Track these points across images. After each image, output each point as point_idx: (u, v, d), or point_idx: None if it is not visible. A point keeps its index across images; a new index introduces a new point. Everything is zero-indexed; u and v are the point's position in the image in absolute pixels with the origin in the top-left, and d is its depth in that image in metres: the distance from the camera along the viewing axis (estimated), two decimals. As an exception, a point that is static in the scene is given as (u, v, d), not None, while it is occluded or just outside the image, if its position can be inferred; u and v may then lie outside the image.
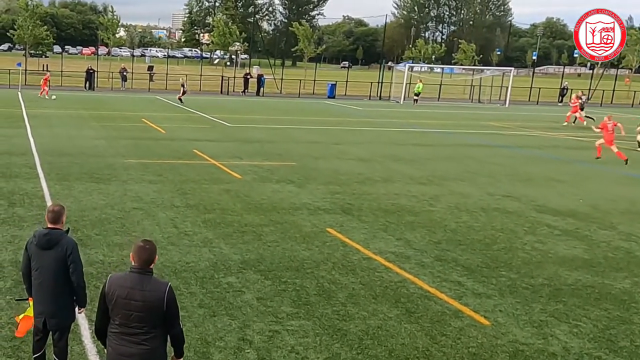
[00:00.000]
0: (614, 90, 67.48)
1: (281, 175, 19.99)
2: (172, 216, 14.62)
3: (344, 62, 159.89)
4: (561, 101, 63.42)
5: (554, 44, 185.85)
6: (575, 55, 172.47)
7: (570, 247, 13.56)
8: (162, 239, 12.85)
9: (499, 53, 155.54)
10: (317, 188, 18.32)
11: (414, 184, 19.56)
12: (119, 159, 21.42)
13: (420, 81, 56.07)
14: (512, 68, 63.07)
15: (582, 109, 42.89)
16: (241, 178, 19.29)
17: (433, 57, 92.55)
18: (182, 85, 45.66)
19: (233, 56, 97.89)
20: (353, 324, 9.23)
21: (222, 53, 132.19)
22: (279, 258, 11.99)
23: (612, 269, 12.19)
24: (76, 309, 7.15)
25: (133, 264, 5.79)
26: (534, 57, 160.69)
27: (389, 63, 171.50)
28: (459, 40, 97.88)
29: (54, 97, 43.43)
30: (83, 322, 8.72)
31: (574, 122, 42.10)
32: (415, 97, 54.11)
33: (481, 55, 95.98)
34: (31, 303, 7.08)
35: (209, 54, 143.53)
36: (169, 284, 5.82)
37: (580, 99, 43.77)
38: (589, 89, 68.75)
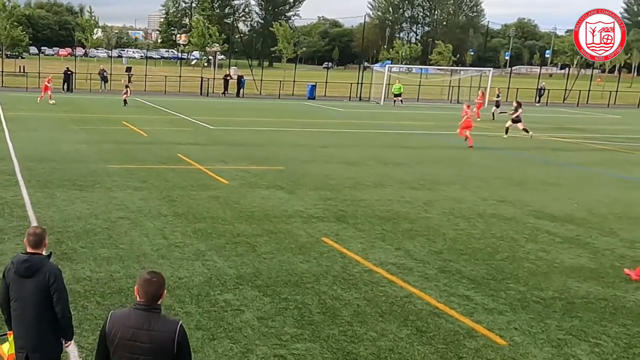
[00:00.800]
0: (589, 91, 67.37)
1: (270, 180, 19.26)
2: (160, 226, 13.84)
3: (326, 63, 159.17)
4: (539, 101, 63.26)
5: (525, 45, 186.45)
6: (547, 56, 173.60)
7: (574, 255, 12.97)
8: (152, 251, 12.08)
9: (472, 53, 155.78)
10: (307, 194, 17.61)
11: (406, 189, 18.91)
12: (101, 165, 20.56)
13: (399, 81, 55.35)
14: (491, 69, 62.71)
15: (497, 106, 44.85)
16: (229, 184, 18.54)
17: (409, 57, 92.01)
18: (126, 86, 43.75)
19: (211, 57, 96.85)
20: (363, 347, 8.55)
21: (200, 54, 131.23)
22: (276, 271, 11.27)
23: (621, 280, 11.60)
24: (62, 341, 6.33)
25: (138, 299, 4.98)
26: (507, 58, 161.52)
27: (365, 63, 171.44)
28: (436, 41, 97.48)
29: (52, 101, 41.27)
30: (72, 350, 7.93)
31: (492, 118, 43.38)
32: (395, 98, 53.48)
33: (458, 56, 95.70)
34: (10, 338, 6.25)
35: (186, 54, 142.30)
36: (180, 322, 5.02)
37: (498, 96, 46.48)
38: (565, 89, 68.72)
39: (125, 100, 42.07)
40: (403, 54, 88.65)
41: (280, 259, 11.96)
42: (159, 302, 4.96)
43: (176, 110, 40.75)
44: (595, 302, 10.43)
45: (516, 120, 33.55)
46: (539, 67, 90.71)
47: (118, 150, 23.68)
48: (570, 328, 9.39)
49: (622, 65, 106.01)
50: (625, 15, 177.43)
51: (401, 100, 53.15)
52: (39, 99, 42.30)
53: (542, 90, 63.00)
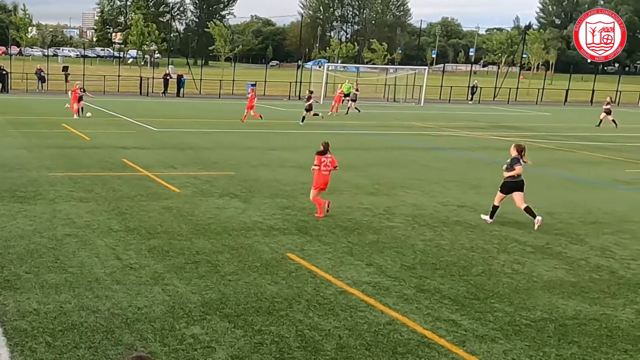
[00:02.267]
0: (517, 88, 67.63)
1: (222, 187, 17.90)
2: (111, 244, 12.36)
3: (273, 61, 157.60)
4: (471, 99, 63.11)
5: (450, 43, 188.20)
6: (471, 54, 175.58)
7: (550, 267, 12.04)
8: (105, 275, 10.63)
9: (400, 52, 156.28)
10: (264, 202, 16.32)
11: (363, 195, 17.81)
12: (43, 172, 18.84)
13: (348, 81, 54.17)
14: (426, 67, 62.19)
15: (354, 101, 44.56)
16: (180, 192, 17.10)
17: (345, 56, 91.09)
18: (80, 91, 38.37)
19: (147, 56, 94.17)
20: (355, 390, 7.35)
21: (137, 53, 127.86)
22: (244, 297, 9.97)
23: (605, 295, 10.70)
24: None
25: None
26: (434, 56, 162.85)
27: (298, 62, 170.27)
28: (370, 40, 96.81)
29: (88, 114, 34.73)
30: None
31: (346, 113, 43.01)
32: (344, 98, 52.18)
33: (386, 54, 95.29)
34: None
35: (121, 53, 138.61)
36: None
37: (357, 92, 46.40)
38: (495, 87, 68.82)
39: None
40: (340, 53, 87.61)
41: (246, 281, 10.67)
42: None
43: (117, 111, 38.81)
44: (588, 324, 9.46)
45: (308, 109, 35.13)
46: (470, 65, 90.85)
47: (60, 155, 21.92)
48: (570, 357, 8.40)
49: (540, 63, 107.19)
50: (541, 15, 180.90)
51: (343, 100, 51.90)
52: (75, 114, 38.75)
53: (475, 88, 62.83)
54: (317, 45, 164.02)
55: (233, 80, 59.11)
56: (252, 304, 9.68)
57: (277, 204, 16.18)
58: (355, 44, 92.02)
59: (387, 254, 12.43)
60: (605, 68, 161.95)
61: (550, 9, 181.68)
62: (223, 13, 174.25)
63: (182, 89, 54.62)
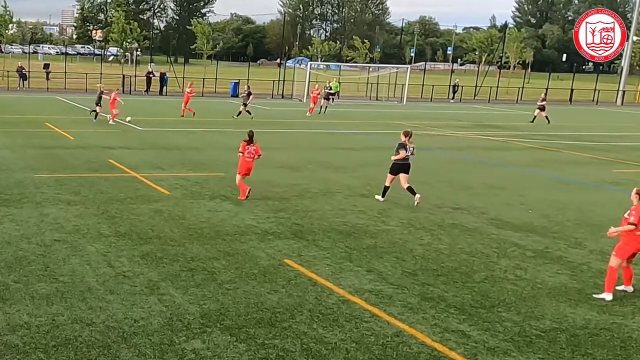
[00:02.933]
0: (497, 87, 67.51)
1: (212, 189, 17.39)
2: (103, 250, 11.83)
3: (260, 60, 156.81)
4: (453, 98, 62.87)
5: (427, 42, 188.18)
6: (449, 53, 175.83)
7: (553, 273, 11.69)
8: (98, 284, 10.11)
9: (378, 50, 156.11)
10: (256, 205, 15.83)
11: (355, 197, 17.39)
12: (28, 174, 18.22)
13: (335, 80, 53.48)
14: (409, 66, 61.87)
15: (327, 99, 43.26)
16: (170, 194, 16.58)
17: (327, 54, 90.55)
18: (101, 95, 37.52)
19: (128, 53, 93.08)
20: (368, 411, 6.91)
21: (117, 50, 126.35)
22: (245, 307, 9.50)
23: (612, 302, 10.33)
24: None
25: None
26: (412, 54, 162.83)
27: (279, 60, 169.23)
28: (353, 37, 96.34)
29: (128, 118, 31.85)
30: None
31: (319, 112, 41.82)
32: (332, 97, 51.63)
33: (367, 52, 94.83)
34: None
35: (102, 50, 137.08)
36: None
37: (328, 89, 45.26)
38: (475, 86, 68.69)
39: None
40: (322, 51, 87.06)
41: (244, 290, 10.19)
42: None
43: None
44: (600, 334, 9.10)
45: (244, 104, 35.81)
46: (452, 63, 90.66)
47: (45, 156, 21.29)
48: (587, 370, 8.02)
49: (518, 62, 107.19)
50: (517, 14, 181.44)
51: (333, 99, 51.22)
52: (111, 119, 37.67)
53: (456, 87, 62.59)
54: (298, 43, 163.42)
55: (216, 79, 58.35)
56: (253, 315, 9.21)
57: (270, 207, 15.70)
58: (337, 42, 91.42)
59: (387, 260, 12.01)
60: (583, 67, 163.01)
61: (526, 8, 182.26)
62: (203, 11, 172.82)
63: (165, 87, 53.81)
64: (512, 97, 67.77)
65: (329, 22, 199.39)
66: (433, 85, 61.55)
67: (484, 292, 10.54)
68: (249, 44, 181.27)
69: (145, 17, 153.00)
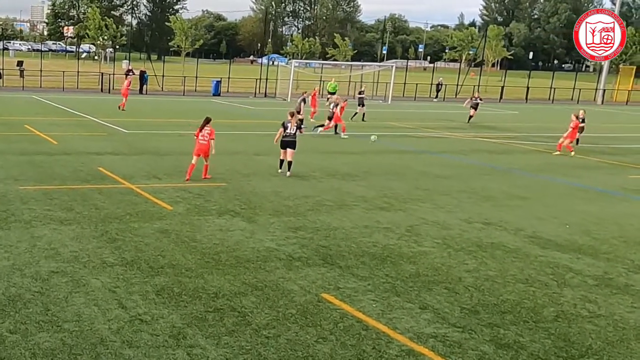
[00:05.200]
0: (478, 86, 66.19)
1: (218, 203, 15.59)
2: (110, 284, 9.99)
3: (251, 57, 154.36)
4: (436, 97, 61.45)
5: (398, 39, 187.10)
6: (420, 50, 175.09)
7: (629, 307, 10.14)
8: (111, 334, 8.30)
9: (350, 47, 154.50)
10: (270, 222, 14.07)
11: (375, 210, 15.70)
12: (12, 186, 16.25)
13: (334, 80, 51.42)
14: (394, 64, 60.26)
15: (305, 102, 37.77)
16: (172, 209, 14.74)
17: (307, 52, 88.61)
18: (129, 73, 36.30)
19: (101, 50, 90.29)
20: None
21: (89, 47, 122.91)
22: (293, 362, 7.76)
23: None
24: None
25: None
26: (384, 52, 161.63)
27: (251, 57, 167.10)
28: (334, 34, 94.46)
29: (373, 137, 28.45)
30: None
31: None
32: (330, 97, 49.64)
33: (354, 52, 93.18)
34: None
35: (74, 47, 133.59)
36: None
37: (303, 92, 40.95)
38: (457, 85, 67.35)
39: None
40: (302, 49, 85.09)
41: (287, 337, 8.46)
42: None
43: (81, 110, 35.86)
44: None
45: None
46: (433, 62, 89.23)
47: (28, 164, 19.28)
48: None
49: (494, 61, 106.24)
50: (485, 12, 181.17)
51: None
52: (121, 106, 35.99)
53: (440, 86, 61.17)
54: (270, 40, 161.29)
55: (196, 77, 56.19)
56: (306, 375, 7.48)
57: (286, 224, 13.96)
58: (317, 38, 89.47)
59: (437, 292, 10.33)
60: (563, 65, 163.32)
61: (493, 6, 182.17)
62: (176, 7, 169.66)
63: (145, 86, 51.58)
64: (493, 95, 66.60)
65: (301, 20, 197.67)
66: (417, 84, 60.07)
67: (564, 336, 8.91)
68: (222, 41, 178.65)
69: (118, 14, 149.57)
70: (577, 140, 28.68)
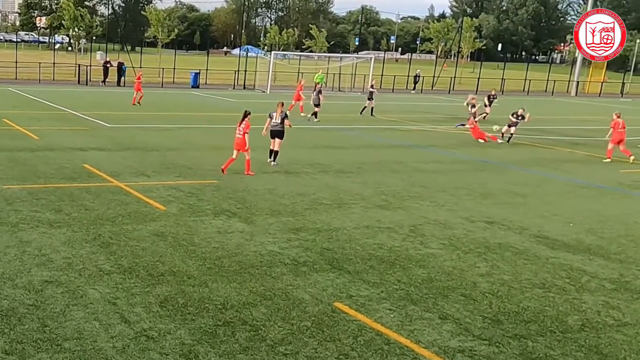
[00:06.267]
0: (454, 77, 65.91)
1: (212, 202, 14.83)
2: (109, 295, 9.23)
3: (225, 48, 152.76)
4: (414, 89, 60.97)
5: (369, 31, 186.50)
6: (392, 42, 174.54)
7: (653, 313, 9.58)
8: (116, 353, 7.57)
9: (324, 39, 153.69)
10: (269, 223, 13.36)
11: (374, 208, 15.06)
12: (-5, 185, 15.33)
13: (321, 71, 50.54)
14: (372, 56, 59.58)
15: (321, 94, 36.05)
16: (165, 210, 13.96)
17: (285, 43, 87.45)
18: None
19: (74, 41, 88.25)
20: None
21: (62, 38, 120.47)
22: (317, 384, 7.09)
23: None
24: None
25: None
26: (357, 43, 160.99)
27: (225, 48, 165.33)
28: (310, 26, 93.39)
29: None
30: None
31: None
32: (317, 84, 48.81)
33: (331, 43, 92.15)
34: None
35: (47, 38, 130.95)
36: None
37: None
38: (433, 76, 66.86)
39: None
40: (280, 41, 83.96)
41: (306, 355, 7.79)
42: None
43: (59, 103, 34.70)
44: None
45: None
46: (410, 54, 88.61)
47: (9, 161, 18.32)
48: None
49: (457, 52, 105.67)
50: (454, 4, 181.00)
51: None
52: (134, 101, 34.91)
53: (418, 78, 60.66)
54: (243, 31, 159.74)
55: (174, 69, 54.99)
56: (333, 398, 6.82)
57: (286, 225, 13.26)
58: (295, 30, 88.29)
59: (454, 299, 9.72)
60: (543, 58, 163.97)
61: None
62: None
63: (123, 78, 50.29)
64: (467, 87, 66.27)
65: (274, 11, 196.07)
66: (395, 76, 59.49)
67: (595, 348, 8.36)
68: (195, 32, 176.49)
69: (91, 4, 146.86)
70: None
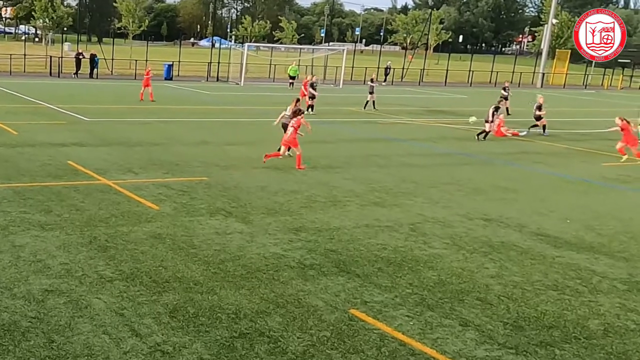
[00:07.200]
0: (423, 69, 65.77)
1: (206, 200, 14.23)
2: (115, 305, 8.62)
3: (191, 40, 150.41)
4: (385, 80, 60.61)
5: (334, 22, 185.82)
6: (357, 33, 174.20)
7: (670, 316, 9.29)
8: (133, 371, 6.97)
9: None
10: (267, 223, 12.83)
11: (369, 206, 14.62)
12: (-22, 185, 14.52)
13: (295, 63, 49.83)
14: (344, 48, 59.04)
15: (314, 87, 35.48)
16: (159, 209, 13.34)
17: (257, 35, 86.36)
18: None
19: (40, 32, 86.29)
20: None
21: (26, 28, 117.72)
22: (349, 402, 6.61)
23: None
24: None
25: None
26: (322, 35, 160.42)
27: (191, 39, 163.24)
28: (279, 17, 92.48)
29: (472, 119, 27.92)
30: None
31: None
32: (291, 81, 48.09)
33: (299, 35, 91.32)
34: None
35: (12, 29, 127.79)
36: None
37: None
38: (403, 68, 66.61)
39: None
40: (252, 32, 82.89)
41: (331, 368, 7.28)
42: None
43: (34, 96, 33.58)
44: None
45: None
46: (380, 46, 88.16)
47: (-9, 158, 17.47)
48: None
49: (425, 44, 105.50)
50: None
51: (292, 84, 47.52)
52: (142, 97, 33.46)
53: (388, 69, 60.31)
54: (211, 22, 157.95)
55: (146, 60, 53.67)
56: (369, 418, 6.34)
57: (285, 225, 12.74)
58: (267, 22, 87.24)
59: (471, 304, 9.32)
60: (504, 49, 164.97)
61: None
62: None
63: (95, 70, 49.04)
64: (434, 79, 66.21)
65: (240, 2, 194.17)
66: (366, 68, 59.01)
67: (624, 355, 8.02)
68: (162, 24, 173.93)
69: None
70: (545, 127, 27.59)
